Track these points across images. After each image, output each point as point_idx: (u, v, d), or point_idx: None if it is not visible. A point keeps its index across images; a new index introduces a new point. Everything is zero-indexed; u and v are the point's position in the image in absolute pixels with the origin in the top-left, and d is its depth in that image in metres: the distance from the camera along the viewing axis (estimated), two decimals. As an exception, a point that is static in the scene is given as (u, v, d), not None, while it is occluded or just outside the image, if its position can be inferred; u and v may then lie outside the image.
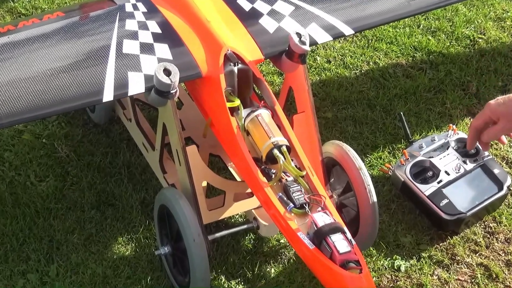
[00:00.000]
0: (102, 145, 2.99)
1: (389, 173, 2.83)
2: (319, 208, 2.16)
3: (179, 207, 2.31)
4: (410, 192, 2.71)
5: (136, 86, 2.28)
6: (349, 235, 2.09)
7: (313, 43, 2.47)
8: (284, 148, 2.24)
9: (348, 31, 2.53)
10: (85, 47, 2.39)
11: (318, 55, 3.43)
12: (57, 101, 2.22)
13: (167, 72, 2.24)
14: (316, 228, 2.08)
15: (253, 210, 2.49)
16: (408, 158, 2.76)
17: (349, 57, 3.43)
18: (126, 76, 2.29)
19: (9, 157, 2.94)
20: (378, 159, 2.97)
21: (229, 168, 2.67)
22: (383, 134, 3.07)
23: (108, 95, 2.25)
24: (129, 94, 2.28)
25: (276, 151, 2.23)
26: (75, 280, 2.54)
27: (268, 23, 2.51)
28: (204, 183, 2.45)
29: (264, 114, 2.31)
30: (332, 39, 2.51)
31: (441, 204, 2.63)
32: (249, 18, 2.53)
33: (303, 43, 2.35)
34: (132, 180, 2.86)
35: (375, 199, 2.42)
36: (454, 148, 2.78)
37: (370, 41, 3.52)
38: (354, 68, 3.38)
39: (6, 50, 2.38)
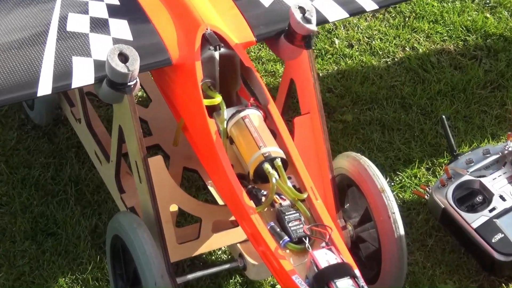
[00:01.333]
0: (43, 154, 2.99)
1: (426, 197, 2.83)
2: (323, 244, 2.15)
3: (137, 238, 2.30)
4: (453, 223, 2.70)
5: (82, 75, 2.28)
6: (361, 280, 2.07)
7: (322, 21, 2.46)
8: (278, 162, 2.23)
9: (370, 5, 2.52)
10: (17, 23, 2.39)
11: (337, 37, 3.43)
12: (-21, 94, 2.23)
13: (124, 58, 2.23)
14: (317, 270, 2.06)
15: (238, 245, 2.48)
16: (451, 177, 2.75)
17: (379, 40, 3.43)
18: (69, 62, 2.29)
19: None
20: (412, 178, 2.96)
21: (209, 187, 2.67)
22: (420, 144, 3.06)
23: (45, 87, 2.25)
24: (73, 87, 2.28)
25: (267, 166, 2.22)
26: (-1, 334, 2.56)
27: (262, -6, 2.52)
28: (174, 207, 2.45)
29: (253, 115, 2.30)
30: (348, 16, 2.50)
31: (493, 240, 2.62)
32: (237, -14, 2.53)
33: (308, 20, 2.34)
34: (81, 202, 2.86)
35: (402, 232, 2.41)
36: (514, 165, 2.78)
37: (407, 18, 3.51)
38: (384, 55, 3.38)
39: None
